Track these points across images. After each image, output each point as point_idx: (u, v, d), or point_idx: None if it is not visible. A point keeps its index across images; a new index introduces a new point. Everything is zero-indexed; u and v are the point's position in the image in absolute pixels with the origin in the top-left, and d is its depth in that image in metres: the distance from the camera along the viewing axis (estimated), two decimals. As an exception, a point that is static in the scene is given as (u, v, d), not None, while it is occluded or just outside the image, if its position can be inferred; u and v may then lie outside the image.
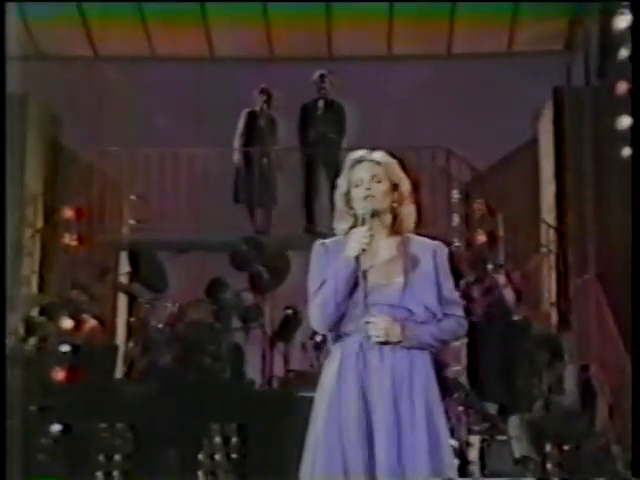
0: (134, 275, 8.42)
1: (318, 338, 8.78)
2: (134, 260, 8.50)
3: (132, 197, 9.24)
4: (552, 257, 8.63)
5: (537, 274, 8.70)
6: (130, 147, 9.03)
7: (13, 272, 7.64)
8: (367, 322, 2.95)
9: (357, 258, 2.93)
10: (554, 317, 8.41)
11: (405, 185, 3.06)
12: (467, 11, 8.85)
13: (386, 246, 3.03)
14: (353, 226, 3.03)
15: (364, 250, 2.93)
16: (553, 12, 8.91)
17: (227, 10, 9.06)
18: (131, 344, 8.14)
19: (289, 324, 8.34)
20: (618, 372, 6.88)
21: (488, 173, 9.06)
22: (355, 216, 3.03)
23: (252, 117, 9.16)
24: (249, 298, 8.25)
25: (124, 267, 8.90)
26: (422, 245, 3.06)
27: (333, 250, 3.05)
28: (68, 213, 8.01)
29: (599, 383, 6.93)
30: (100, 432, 6.90)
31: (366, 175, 3.03)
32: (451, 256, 3.09)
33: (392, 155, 3.08)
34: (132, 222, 9.26)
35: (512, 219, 8.62)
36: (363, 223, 2.96)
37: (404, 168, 3.08)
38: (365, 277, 2.94)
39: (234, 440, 6.78)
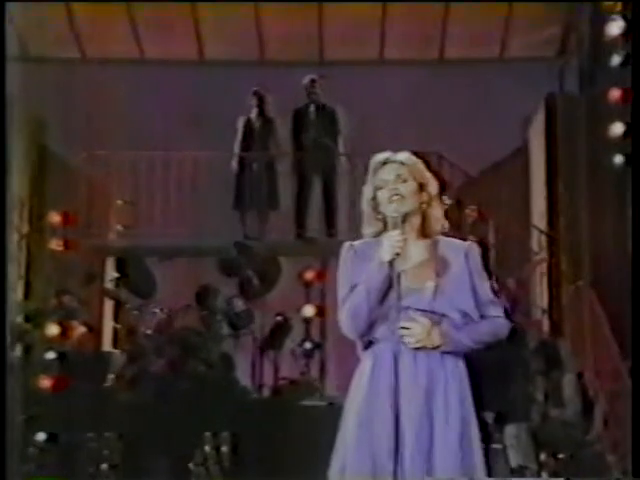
0: (121, 281, 8.32)
1: (308, 345, 8.74)
2: (121, 266, 8.41)
3: (119, 202, 9.13)
4: (544, 264, 8.60)
5: (529, 281, 8.66)
6: (118, 151, 8.92)
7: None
8: (402, 327, 2.86)
9: (390, 262, 2.85)
10: (546, 324, 8.37)
11: (432, 185, 2.97)
12: (460, 15, 8.80)
13: (416, 249, 2.94)
14: (381, 231, 2.95)
15: (398, 254, 2.84)
16: (546, 18, 8.87)
17: (218, 13, 8.95)
18: (119, 351, 8.03)
19: (279, 331, 8.29)
20: (613, 379, 6.85)
21: (479, 179, 9.03)
22: (384, 220, 2.95)
23: (248, 122, 9.10)
24: (239, 304, 8.17)
25: (111, 273, 8.78)
26: (453, 246, 2.97)
27: (362, 253, 2.96)
28: (55, 218, 7.87)
29: (594, 391, 6.89)
30: (88, 441, 6.79)
31: (390, 176, 2.94)
32: (484, 255, 3.00)
33: (417, 155, 3.00)
34: (119, 227, 9.16)
35: (503, 225, 8.58)
36: (395, 227, 2.88)
37: (430, 168, 2.99)
38: (399, 281, 2.86)
39: (226, 449, 6.69)
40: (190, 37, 9.31)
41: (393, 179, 2.94)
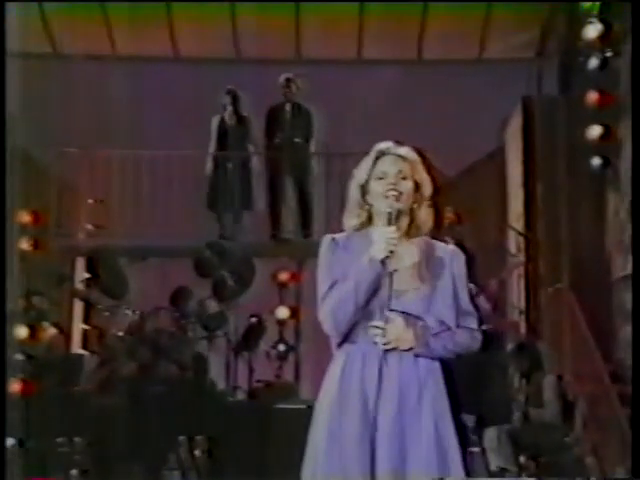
0: (92, 282, 8.15)
1: (281, 347, 8.65)
2: (92, 266, 8.23)
3: (90, 201, 8.94)
4: (521, 266, 8.56)
5: (506, 283, 8.62)
6: (89, 149, 8.74)
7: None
8: (375, 327, 2.75)
9: (382, 261, 2.73)
10: (523, 326, 8.34)
11: (427, 186, 2.86)
12: (439, 16, 8.75)
13: (402, 250, 2.81)
14: (364, 223, 2.85)
15: (392, 252, 2.73)
16: (526, 19, 8.86)
17: (193, 9, 8.81)
18: (89, 353, 7.86)
19: (254, 333, 8.19)
20: (593, 382, 6.81)
21: (456, 180, 8.97)
22: (369, 212, 2.85)
23: (221, 123, 8.96)
24: (213, 306, 8.05)
25: (82, 273, 8.59)
26: (439, 250, 2.87)
27: (344, 247, 2.84)
28: (24, 217, 7.67)
29: (573, 393, 6.86)
30: (57, 447, 6.61)
31: (392, 170, 2.83)
32: (468, 262, 2.90)
33: (419, 153, 2.88)
34: (90, 227, 8.97)
35: (480, 227, 8.53)
36: (389, 223, 2.76)
37: (428, 168, 2.88)
38: (391, 281, 2.74)
39: (201, 453, 6.55)
40: (164, 34, 9.15)
41: (394, 173, 2.82)
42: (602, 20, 7.78)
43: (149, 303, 7.88)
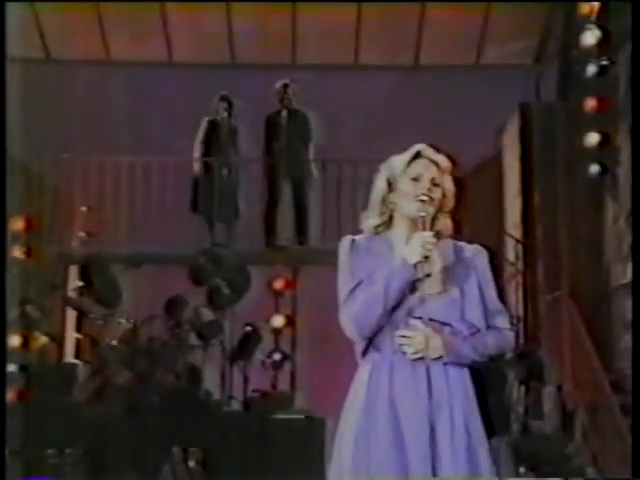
0: (85, 290, 8.04)
1: (277, 357, 8.55)
2: (85, 274, 8.12)
3: (83, 208, 8.84)
4: (519, 273, 8.49)
5: (504, 290, 8.54)
6: (83, 155, 8.63)
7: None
8: (401, 336, 2.67)
9: (414, 265, 2.66)
10: (521, 334, 8.25)
11: (451, 198, 2.80)
12: (436, 21, 8.69)
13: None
14: (385, 224, 2.79)
15: (427, 258, 2.65)
16: (524, 25, 8.80)
17: (188, 13, 8.73)
18: (82, 363, 7.76)
19: (249, 341, 8.09)
20: (593, 391, 6.74)
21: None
22: (391, 212, 2.78)
23: (212, 126, 8.85)
24: (207, 314, 7.95)
25: (75, 281, 8.48)
26: (463, 251, 2.79)
27: (365, 249, 2.78)
28: (17, 224, 7.57)
29: (573, 403, 6.78)
30: (49, 458, 6.51)
31: (427, 174, 2.77)
32: (492, 260, 2.80)
33: (452, 162, 2.81)
34: (83, 234, 8.86)
35: (477, 234, 8.44)
36: (423, 227, 2.68)
37: (454, 178, 2.81)
38: (422, 286, 2.67)
39: (196, 465, 6.45)
40: (159, 38, 9.06)
41: (429, 178, 2.76)
42: (600, 26, 7.74)
43: (143, 311, 7.77)
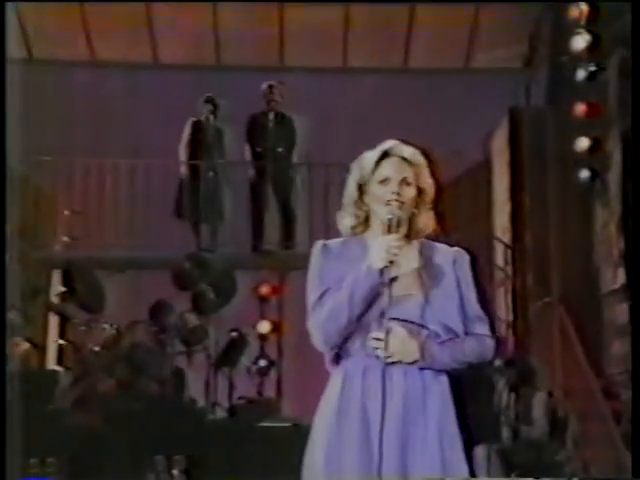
0: (68, 295, 7.92)
1: (262, 363, 8.46)
2: (68, 279, 8.00)
3: (66, 212, 8.71)
4: (508, 279, 8.42)
5: (493, 295, 8.46)
6: (66, 158, 8.50)
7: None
8: (376, 339, 2.55)
9: (381, 270, 2.53)
10: (511, 341, 8.18)
11: (430, 191, 2.67)
12: (425, 24, 8.62)
13: (401, 256, 2.61)
14: (360, 224, 2.67)
15: (392, 262, 2.53)
16: (513, 28, 8.75)
17: (173, 14, 8.62)
18: (64, 369, 7.63)
19: (234, 348, 7.99)
20: (584, 398, 6.66)
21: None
22: (367, 213, 2.66)
23: (198, 127, 8.72)
24: (192, 319, 7.84)
25: (58, 286, 8.35)
26: (440, 253, 2.66)
27: (338, 253, 2.65)
28: (-2, 227, 7.42)
29: (564, 410, 6.70)
30: (30, 468, 6.38)
31: (396, 175, 2.64)
32: (474, 264, 2.68)
33: (425, 155, 2.69)
34: (66, 238, 8.74)
35: (465, 239, 8.37)
36: (389, 230, 2.57)
37: (433, 171, 2.69)
38: (390, 290, 2.54)
39: (180, 473, 6.32)
40: (144, 39, 8.95)
41: (398, 180, 2.63)
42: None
43: (127, 317, 7.66)
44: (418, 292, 2.60)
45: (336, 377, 2.61)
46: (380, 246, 2.55)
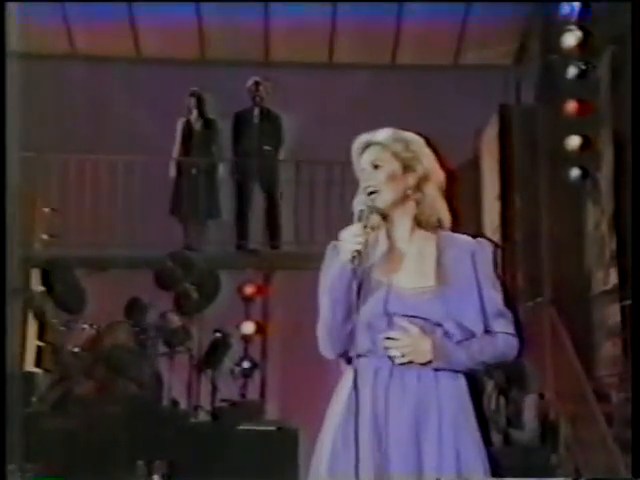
0: (47, 294, 7.74)
1: (246, 364, 8.32)
2: (47, 278, 7.82)
3: (45, 209, 8.51)
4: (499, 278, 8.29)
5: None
6: (45, 154, 8.30)
7: None
8: (386, 338, 2.39)
9: (358, 263, 2.37)
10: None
11: (434, 178, 2.50)
12: (413, 20, 8.48)
13: (410, 243, 2.47)
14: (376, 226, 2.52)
15: (359, 253, 2.37)
16: (504, 25, 8.63)
17: (157, 7, 8.44)
18: (43, 371, 7.45)
19: (218, 349, 7.86)
20: (576, 401, 6.53)
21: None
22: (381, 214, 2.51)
23: (187, 125, 8.58)
24: (174, 320, 7.68)
25: (36, 286, 8.16)
26: (458, 244, 2.48)
27: None
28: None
29: (555, 413, 6.58)
30: (7, 474, 6.18)
31: (366, 165, 2.50)
32: (496, 256, 2.51)
33: (427, 141, 2.53)
34: (45, 237, 8.54)
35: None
36: (359, 220, 2.42)
37: (437, 154, 2.53)
38: (389, 283, 2.40)
39: (162, 479, 6.15)
40: (126, 33, 8.76)
41: (369, 169, 2.49)
42: (581, 27, 7.59)
43: (107, 317, 7.49)
44: (431, 286, 2.43)
45: (345, 380, 2.47)
46: (345, 238, 2.41)
